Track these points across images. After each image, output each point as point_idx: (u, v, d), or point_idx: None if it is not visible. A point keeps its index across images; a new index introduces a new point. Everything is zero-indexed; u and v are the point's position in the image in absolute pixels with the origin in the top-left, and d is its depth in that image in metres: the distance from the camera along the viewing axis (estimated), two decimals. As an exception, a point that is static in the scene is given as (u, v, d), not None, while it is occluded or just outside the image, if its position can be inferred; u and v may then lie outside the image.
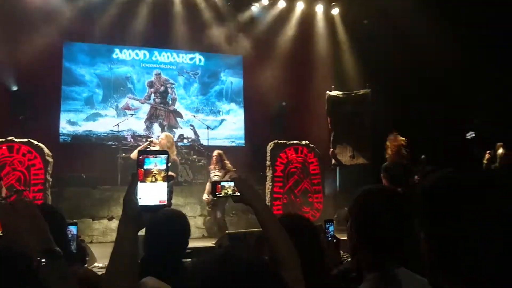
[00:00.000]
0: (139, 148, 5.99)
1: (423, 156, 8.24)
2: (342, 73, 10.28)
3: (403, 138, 5.35)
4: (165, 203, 1.06)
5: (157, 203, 1.05)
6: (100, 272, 2.81)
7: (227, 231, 6.16)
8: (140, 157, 1.06)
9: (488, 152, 7.03)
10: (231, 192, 1.44)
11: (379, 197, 1.35)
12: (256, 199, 1.39)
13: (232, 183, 1.44)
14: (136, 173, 1.05)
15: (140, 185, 1.04)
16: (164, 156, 1.07)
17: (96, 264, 4.94)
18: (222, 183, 1.47)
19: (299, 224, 1.62)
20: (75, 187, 8.00)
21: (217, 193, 1.47)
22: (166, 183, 1.06)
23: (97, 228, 7.71)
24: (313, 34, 10.82)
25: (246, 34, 10.62)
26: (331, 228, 2.34)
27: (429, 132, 9.27)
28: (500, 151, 7.06)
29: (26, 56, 8.32)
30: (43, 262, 0.98)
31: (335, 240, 2.22)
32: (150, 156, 1.07)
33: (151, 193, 1.04)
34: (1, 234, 0.99)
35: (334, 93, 9.34)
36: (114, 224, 7.74)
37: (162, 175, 1.06)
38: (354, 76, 10.01)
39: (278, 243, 1.29)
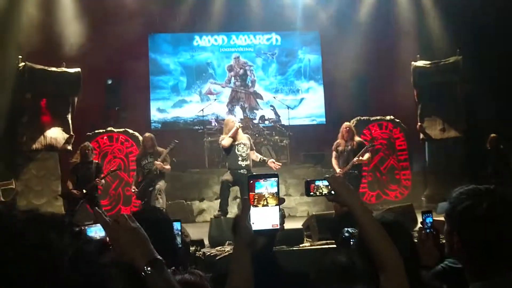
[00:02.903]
0: (230, 135, 5.66)
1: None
2: (428, 41, 9.51)
3: None
4: (278, 227, 1.05)
5: (270, 227, 1.04)
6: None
7: (314, 213, 6.21)
8: (251, 181, 1.06)
9: None
10: (326, 192, 1.36)
11: (490, 200, 1.21)
12: (352, 199, 1.33)
13: (326, 182, 1.36)
14: (248, 198, 1.05)
15: (252, 210, 1.04)
16: (274, 179, 1.06)
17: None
18: (316, 182, 1.38)
19: (386, 222, 1.56)
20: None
21: (311, 193, 1.38)
22: (277, 207, 1.05)
23: (189, 210, 8.22)
24: (393, 0, 10.11)
25: (322, 7, 10.27)
26: (428, 220, 2.25)
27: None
28: None
29: (116, 49, 8.89)
30: (148, 271, 1.02)
31: (434, 232, 2.12)
32: (261, 180, 1.06)
33: (263, 217, 1.04)
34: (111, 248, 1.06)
35: (420, 63, 8.77)
36: (205, 205, 8.21)
37: (274, 199, 1.05)
38: (442, 43, 9.21)
39: (378, 245, 1.23)
